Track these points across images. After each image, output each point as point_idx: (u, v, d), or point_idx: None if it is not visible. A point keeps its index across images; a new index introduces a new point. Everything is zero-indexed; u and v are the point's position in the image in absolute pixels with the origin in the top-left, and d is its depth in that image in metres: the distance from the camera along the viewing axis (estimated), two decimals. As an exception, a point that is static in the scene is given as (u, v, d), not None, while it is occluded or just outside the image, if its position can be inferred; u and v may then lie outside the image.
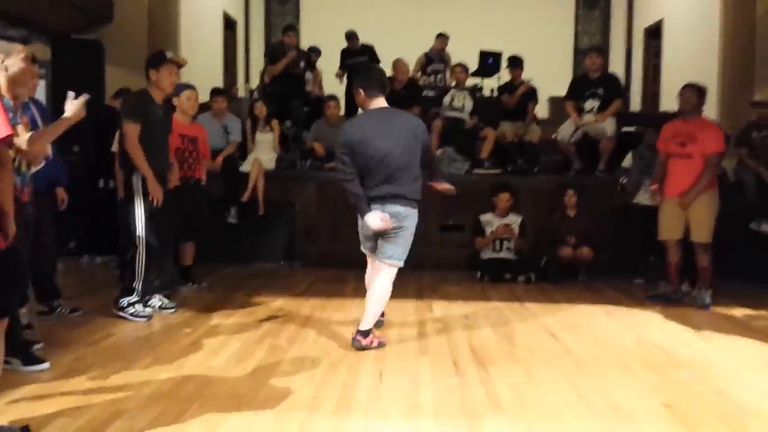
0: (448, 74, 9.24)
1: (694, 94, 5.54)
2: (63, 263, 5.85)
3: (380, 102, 4.15)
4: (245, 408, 3.01)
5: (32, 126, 4.16)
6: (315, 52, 9.39)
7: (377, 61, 9.01)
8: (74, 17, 8.19)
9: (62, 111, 4.37)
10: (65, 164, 4.86)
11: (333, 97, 7.88)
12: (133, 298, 4.63)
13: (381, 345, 4.07)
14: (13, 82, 3.45)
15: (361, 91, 4.15)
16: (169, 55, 4.78)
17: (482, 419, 2.96)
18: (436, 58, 9.37)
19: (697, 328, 4.76)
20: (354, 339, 4.03)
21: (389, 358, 3.86)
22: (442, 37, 9.46)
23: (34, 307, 4.46)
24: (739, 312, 5.31)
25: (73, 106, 3.61)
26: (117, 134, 5.77)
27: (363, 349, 3.98)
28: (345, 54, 9.19)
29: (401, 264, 4.13)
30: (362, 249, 4.40)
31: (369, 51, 9.07)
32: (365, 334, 4.04)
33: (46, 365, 3.50)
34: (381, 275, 4.13)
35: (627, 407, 3.16)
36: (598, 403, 3.22)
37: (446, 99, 8.06)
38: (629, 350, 4.17)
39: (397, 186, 4.01)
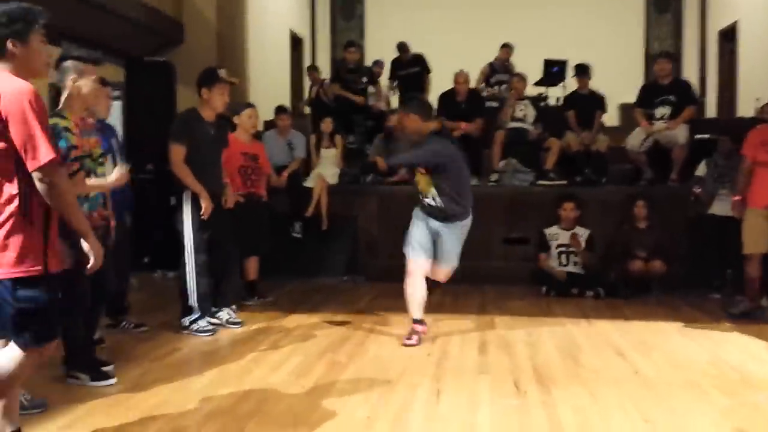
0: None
1: None
2: (136, 278, 6.08)
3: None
4: (301, 427, 3.01)
5: (108, 151, 4.36)
6: (378, 65, 9.45)
7: (428, 70, 8.99)
8: (147, 40, 8.52)
9: (136, 130, 4.59)
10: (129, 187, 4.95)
11: (394, 111, 7.90)
12: (193, 315, 4.72)
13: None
14: (84, 102, 3.57)
15: (418, 117, 4.44)
16: (222, 73, 4.79)
17: (542, 443, 2.87)
18: (500, 68, 9.28)
19: (777, 347, 4.49)
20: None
21: (448, 377, 3.80)
22: (506, 47, 9.36)
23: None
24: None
25: (118, 173, 3.65)
26: None
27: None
28: (396, 65, 9.18)
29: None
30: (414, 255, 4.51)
31: (420, 60, 9.04)
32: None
33: (113, 380, 3.61)
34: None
35: (698, 432, 3.01)
36: (667, 428, 3.07)
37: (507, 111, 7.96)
38: (702, 370, 3.97)
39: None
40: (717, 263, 6.34)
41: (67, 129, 3.42)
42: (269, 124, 8.12)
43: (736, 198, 5.41)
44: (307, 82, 12.90)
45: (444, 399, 3.43)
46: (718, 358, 4.26)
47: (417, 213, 4.62)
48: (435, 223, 4.53)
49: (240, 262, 5.71)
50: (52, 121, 3.32)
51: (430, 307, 5.69)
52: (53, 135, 3.20)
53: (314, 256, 7.19)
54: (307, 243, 7.09)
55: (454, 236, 4.54)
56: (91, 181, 3.55)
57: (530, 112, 7.95)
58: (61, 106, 3.52)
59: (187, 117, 4.83)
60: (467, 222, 4.59)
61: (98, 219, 3.64)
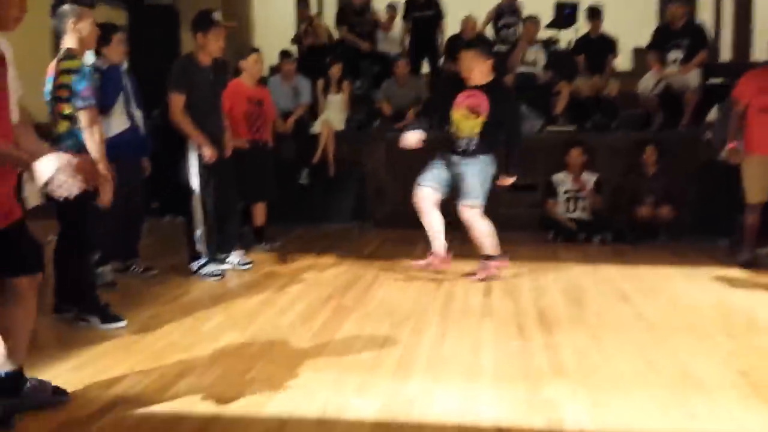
0: (521, 27, 8.92)
1: None
2: (146, 223, 6.10)
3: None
4: (307, 369, 3.07)
5: (125, 95, 4.35)
6: (391, 8, 9.22)
7: (443, 15, 8.78)
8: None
9: (140, 76, 4.58)
10: (148, 134, 4.90)
11: (402, 56, 7.79)
12: (202, 260, 4.77)
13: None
14: (84, 45, 3.59)
15: (486, 59, 4.59)
16: (217, 17, 4.64)
17: (543, 386, 2.90)
18: (507, 10, 9.03)
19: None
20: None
21: (453, 320, 3.84)
22: None
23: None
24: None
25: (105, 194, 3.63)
26: None
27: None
28: (409, 5, 8.95)
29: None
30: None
31: (435, 4, 8.83)
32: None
33: (123, 323, 3.67)
34: None
35: (699, 375, 3.03)
36: (668, 370, 3.10)
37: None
38: (707, 314, 3.99)
39: None
40: (726, 209, 6.29)
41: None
42: (274, 70, 8.02)
43: (732, 145, 5.24)
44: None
45: (448, 341, 3.47)
46: (724, 302, 4.27)
47: (439, 150, 4.73)
48: (456, 159, 4.62)
49: (247, 208, 5.73)
50: (75, 63, 3.44)
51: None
52: (86, 77, 3.39)
53: (321, 202, 7.20)
54: (314, 189, 7.09)
55: (476, 170, 4.60)
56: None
57: (541, 57, 7.80)
58: (69, 48, 3.53)
59: (184, 64, 4.74)
60: (488, 159, 4.65)
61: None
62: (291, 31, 11.36)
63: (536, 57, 7.79)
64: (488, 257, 4.76)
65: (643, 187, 6.34)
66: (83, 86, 3.45)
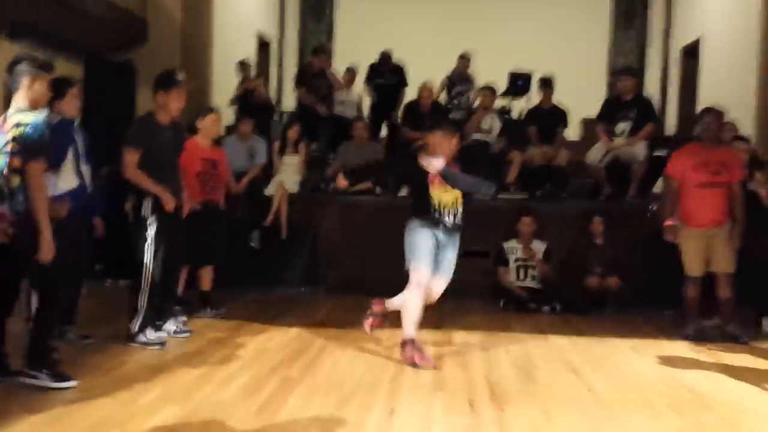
0: (471, 95, 9.16)
1: (717, 120, 5.34)
2: (87, 286, 5.87)
3: None
4: (248, 447, 2.93)
5: (74, 151, 4.25)
6: (350, 72, 9.36)
7: (406, 83, 8.96)
8: (109, 37, 8.31)
9: (92, 132, 4.51)
10: (95, 192, 4.72)
11: (360, 118, 7.85)
12: (139, 319, 4.54)
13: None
14: (34, 104, 3.58)
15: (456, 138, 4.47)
16: (180, 77, 4.61)
17: (492, 466, 2.83)
18: (458, 79, 9.28)
19: (728, 367, 4.54)
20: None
21: (403, 395, 3.74)
22: (464, 59, 9.37)
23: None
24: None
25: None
26: None
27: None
28: (373, 71, 9.10)
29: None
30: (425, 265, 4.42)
31: (399, 72, 9.01)
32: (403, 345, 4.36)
33: (74, 383, 3.59)
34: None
35: (649, 456, 3.00)
36: (618, 449, 3.06)
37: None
38: (656, 389, 3.99)
39: None
40: (672, 280, 6.40)
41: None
42: (231, 129, 8.00)
43: (668, 223, 5.31)
44: (273, 85, 12.82)
45: (397, 418, 3.37)
46: (671, 376, 4.29)
47: (420, 225, 4.44)
48: (441, 236, 4.46)
49: (193, 271, 5.59)
50: (27, 118, 3.46)
51: (390, 321, 5.68)
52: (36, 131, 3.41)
53: (272, 266, 7.08)
54: (266, 252, 6.98)
55: (456, 247, 4.55)
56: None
57: (496, 125, 7.98)
58: (20, 105, 3.53)
59: (143, 122, 4.71)
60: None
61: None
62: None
63: (492, 124, 7.96)
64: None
65: (591, 257, 6.44)
66: (33, 140, 3.43)
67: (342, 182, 6.37)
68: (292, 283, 7.07)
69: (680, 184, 5.29)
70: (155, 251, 4.56)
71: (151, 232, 4.56)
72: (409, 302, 4.39)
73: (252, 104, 8.50)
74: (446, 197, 4.46)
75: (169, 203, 4.55)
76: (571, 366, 4.44)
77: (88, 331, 4.70)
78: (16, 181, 3.48)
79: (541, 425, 3.33)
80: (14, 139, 3.44)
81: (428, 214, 4.43)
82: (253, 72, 9.28)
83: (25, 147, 3.42)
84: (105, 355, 4.31)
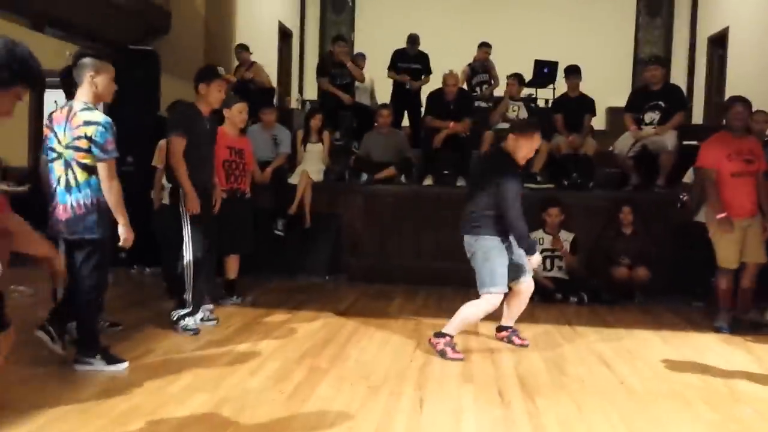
0: (492, 83, 9.09)
1: (747, 109, 5.24)
2: (112, 274, 5.90)
3: None
4: (279, 436, 2.92)
5: None
6: (360, 57, 9.31)
7: (430, 71, 8.89)
8: (132, 27, 8.35)
9: (118, 121, 4.51)
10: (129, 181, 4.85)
11: (385, 106, 7.79)
12: (186, 310, 4.63)
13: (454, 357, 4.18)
14: (99, 98, 3.73)
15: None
16: (221, 71, 4.81)
17: (526, 458, 2.80)
18: (479, 68, 9.20)
19: (762, 359, 4.46)
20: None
21: (431, 385, 3.71)
22: (484, 47, 9.29)
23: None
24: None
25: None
26: (158, 147, 5.85)
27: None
28: (398, 56, 9.04)
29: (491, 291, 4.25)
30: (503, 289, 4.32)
31: (424, 59, 8.95)
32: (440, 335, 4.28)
33: (126, 364, 3.78)
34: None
35: (684, 449, 2.95)
36: (653, 443, 3.01)
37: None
38: (687, 382, 3.92)
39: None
40: (701, 271, 6.31)
41: None
42: (254, 118, 7.97)
43: (722, 216, 5.10)
44: (295, 76, 12.82)
45: (427, 408, 3.34)
46: (704, 368, 4.21)
47: (500, 243, 4.30)
48: (509, 241, 4.36)
49: (220, 260, 5.59)
50: (97, 116, 3.59)
51: (414, 310, 5.66)
52: (108, 130, 3.57)
53: (296, 254, 7.08)
54: (290, 241, 6.97)
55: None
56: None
57: (523, 114, 7.91)
58: (85, 99, 3.65)
59: (186, 110, 4.80)
60: None
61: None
62: (273, 81, 11.47)
63: (519, 113, 7.88)
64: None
65: (619, 247, 6.35)
66: (106, 138, 3.57)
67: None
68: (316, 272, 7.06)
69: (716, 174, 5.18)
70: (195, 234, 4.61)
71: (190, 220, 4.61)
72: (472, 315, 4.32)
73: (252, 90, 8.42)
74: None
75: (194, 207, 4.58)
76: (601, 358, 4.38)
77: (116, 319, 4.72)
78: (84, 176, 3.63)
79: (573, 417, 3.29)
80: (86, 137, 3.56)
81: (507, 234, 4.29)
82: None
83: (100, 146, 3.56)
84: (132, 342, 4.32)
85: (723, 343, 4.89)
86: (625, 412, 3.37)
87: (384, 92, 9.32)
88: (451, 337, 4.31)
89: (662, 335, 5.07)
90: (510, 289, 4.42)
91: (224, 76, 4.86)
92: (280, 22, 11.97)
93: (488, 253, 4.24)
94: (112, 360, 3.78)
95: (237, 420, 3.09)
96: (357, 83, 8.64)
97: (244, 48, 8.86)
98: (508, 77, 8.27)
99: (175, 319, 4.64)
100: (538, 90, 9.74)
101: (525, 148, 4.34)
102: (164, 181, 5.43)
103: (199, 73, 4.82)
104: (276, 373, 3.81)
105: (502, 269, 4.24)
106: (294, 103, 11.41)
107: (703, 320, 5.56)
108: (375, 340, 4.62)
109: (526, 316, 5.49)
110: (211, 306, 5.10)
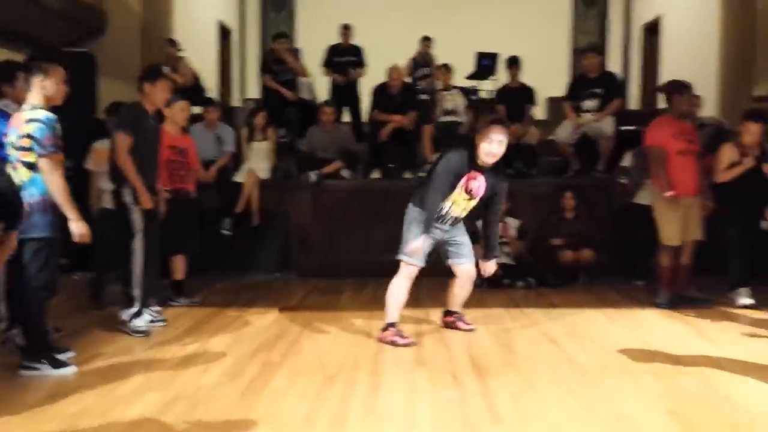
0: (434, 76, 9.16)
1: (689, 94, 5.51)
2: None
3: None
4: (236, 429, 2.90)
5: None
6: (295, 52, 9.22)
7: (363, 63, 8.91)
8: (66, 30, 8.10)
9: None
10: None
11: (327, 103, 7.79)
12: (135, 308, 4.56)
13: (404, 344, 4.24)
14: (48, 100, 3.73)
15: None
16: (166, 70, 4.83)
17: (482, 434, 2.86)
18: (421, 62, 9.28)
19: (701, 331, 4.65)
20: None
21: (386, 371, 3.75)
22: (425, 41, 9.37)
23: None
24: (744, 312, 5.21)
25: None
26: (92, 150, 5.72)
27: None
28: (333, 51, 9.03)
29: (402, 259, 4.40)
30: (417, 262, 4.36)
31: (358, 52, 8.96)
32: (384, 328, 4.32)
33: (74, 367, 3.72)
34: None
35: (632, 416, 3.06)
36: (602, 412, 3.11)
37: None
38: (633, 356, 4.05)
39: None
40: (642, 251, 6.54)
41: None
42: (196, 117, 7.87)
43: (670, 194, 5.23)
44: (236, 75, 12.68)
45: (383, 393, 3.37)
46: (647, 343, 4.37)
47: (416, 212, 4.34)
48: (445, 228, 4.41)
49: (166, 261, 5.50)
50: (39, 113, 3.63)
51: (365, 302, 5.69)
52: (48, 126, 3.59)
53: (244, 252, 7.02)
54: (238, 240, 6.90)
55: (462, 228, 4.56)
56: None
57: (460, 101, 7.98)
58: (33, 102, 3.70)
59: (133, 108, 4.76)
60: None
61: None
62: (213, 80, 11.33)
63: (456, 102, 7.95)
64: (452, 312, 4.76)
65: (563, 231, 6.51)
66: (45, 134, 3.58)
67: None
68: (265, 269, 7.02)
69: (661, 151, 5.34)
70: (142, 236, 4.56)
71: (137, 219, 4.57)
72: (397, 290, 4.38)
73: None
74: (461, 202, 4.31)
75: (147, 202, 4.57)
76: (549, 337, 4.49)
77: (58, 324, 4.59)
78: (28, 174, 3.63)
79: (525, 394, 3.37)
80: (28, 135, 3.58)
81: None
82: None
83: (39, 142, 3.57)
84: (80, 346, 4.20)
85: (665, 318, 5.07)
86: (574, 386, 3.47)
87: (324, 88, 9.27)
88: (393, 324, 4.34)
89: (606, 313, 5.23)
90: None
91: (169, 76, 4.84)
92: (219, 21, 11.82)
93: (410, 224, 4.35)
94: (59, 364, 3.70)
95: (191, 417, 3.05)
96: (300, 79, 8.59)
97: (171, 43, 8.50)
98: (437, 68, 8.33)
99: (127, 320, 4.56)
100: (480, 82, 9.88)
101: (484, 149, 4.21)
102: (102, 184, 5.34)
103: (145, 73, 4.84)
104: (229, 369, 3.78)
105: (416, 241, 4.25)
106: (236, 102, 11.28)
107: (645, 298, 5.75)
108: (327, 333, 4.63)
109: (476, 301, 5.60)
110: (158, 308, 5.01)
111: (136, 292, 4.58)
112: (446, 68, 8.18)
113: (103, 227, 4.99)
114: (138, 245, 4.59)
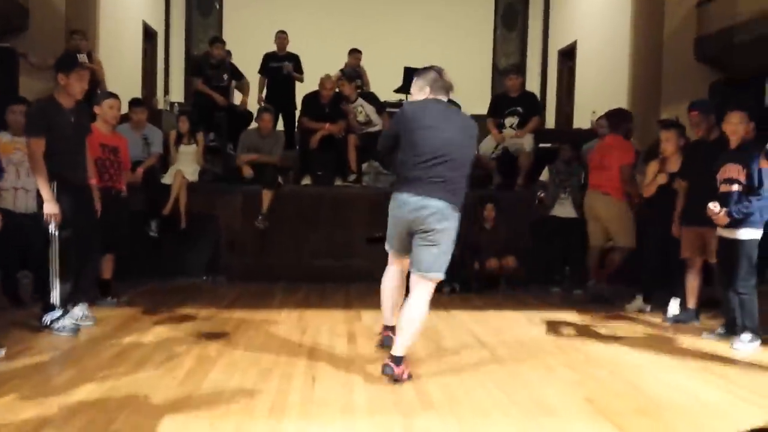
0: (364, 89, 9.35)
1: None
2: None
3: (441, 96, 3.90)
4: (176, 417, 2.95)
5: None
6: (229, 55, 9.23)
7: (301, 70, 9.03)
8: (-17, 24, 7.84)
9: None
10: None
11: (268, 109, 7.70)
12: (56, 313, 4.46)
13: (410, 377, 3.59)
14: None
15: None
16: (81, 59, 4.56)
17: (415, 416, 3.04)
18: (352, 74, 9.47)
19: (612, 330, 5.02)
20: (386, 366, 3.52)
21: (320, 364, 3.88)
22: (355, 53, 9.57)
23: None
24: (651, 314, 5.65)
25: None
26: None
27: (396, 380, 3.49)
28: (269, 57, 9.10)
29: (442, 277, 3.69)
30: (386, 247, 4.04)
31: (295, 58, 9.06)
32: (398, 361, 3.52)
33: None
34: (418, 292, 3.62)
35: (551, 402, 3.31)
36: (524, 400, 3.35)
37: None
38: (549, 351, 4.36)
39: (448, 183, 3.66)
40: (558, 260, 6.95)
41: None
42: (123, 118, 7.75)
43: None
44: (160, 77, 12.48)
45: (319, 384, 3.50)
46: (562, 340, 4.70)
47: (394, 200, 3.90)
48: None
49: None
50: None
51: (296, 303, 5.79)
52: None
53: (172, 255, 6.97)
54: (165, 242, 6.86)
55: None
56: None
57: (368, 108, 8.08)
58: None
59: (43, 106, 4.53)
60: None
61: None
62: (138, 80, 11.15)
63: (365, 111, 8.00)
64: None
65: (483, 240, 6.83)
66: None
67: (248, 171, 6.37)
68: (193, 273, 7.00)
69: None
70: (62, 237, 4.43)
71: (53, 225, 4.41)
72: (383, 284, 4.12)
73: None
74: None
75: (53, 215, 4.35)
76: (473, 335, 4.75)
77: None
78: None
79: (453, 384, 3.57)
80: None
81: None
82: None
83: None
84: (9, 341, 4.12)
85: (578, 319, 5.43)
86: (498, 378, 3.71)
87: (252, 93, 9.28)
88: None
89: (526, 314, 5.55)
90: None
91: (85, 65, 4.56)
92: (144, 22, 11.65)
93: None
94: None
95: (131, 404, 3.09)
96: (234, 83, 8.61)
97: (76, 34, 7.91)
98: (337, 81, 8.23)
99: (48, 323, 4.45)
100: (407, 96, 10.15)
101: None
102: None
103: (58, 62, 4.56)
104: (164, 363, 3.81)
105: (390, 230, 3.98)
106: (161, 104, 11.12)
107: (561, 302, 6.12)
108: (261, 331, 4.71)
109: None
110: (85, 305, 4.94)
111: (54, 298, 4.45)
112: (345, 76, 8.28)
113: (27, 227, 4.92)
114: (54, 254, 4.42)
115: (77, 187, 4.57)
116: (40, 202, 4.46)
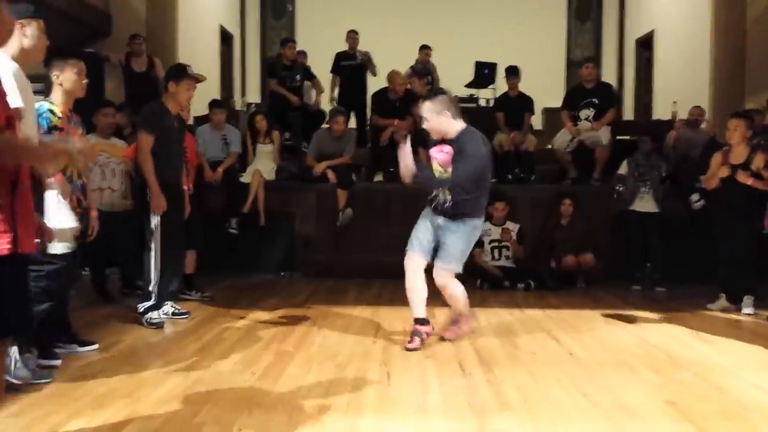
0: (434, 85, 9.31)
1: None
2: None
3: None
4: (257, 409, 3.05)
5: None
6: (301, 54, 9.37)
7: (374, 66, 9.09)
8: (72, 31, 8.23)
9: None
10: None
11: (341, 111, 7.75)
12: (150, 302, 4.70)
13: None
14: (69, 95, 3.78)
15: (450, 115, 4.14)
16: (190, 70, 4.86)
17: (491, 417, 3.01)
18: (421, 70, 9.45)
19: (696, 331, 4.83)
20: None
21: (395, 362, 3.90)
22: (425, 49, 9.56)
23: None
24: (737, 314, 5.41)
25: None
26: None
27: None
28: (341, 56, 9.21)
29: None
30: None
31: (366, 56, 9.13)
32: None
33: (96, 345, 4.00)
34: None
35: (632, 405, 3.22)
36: (604, 401, 3.27)
37: None
38: (631, 352, 4.23)
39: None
40: (637, 257, 6.73)
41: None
42: (202, 119, 8.01)
43: None
44: (237, 79, 12.83)
45: (394, 381, 3.53)
46: (645, 341, 4.55)
47: (424, 211, 4.32)
48: (440, 220, 4.21)
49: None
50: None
51: (370, 300, 5.85)
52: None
53: (250, 252, 7.16)
54: (244, 239, 7.05)
55: (458, 234, 4.17)
56: None
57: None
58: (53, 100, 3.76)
59: (155, 108, 4.85)
60: (478, 223, 4.30)
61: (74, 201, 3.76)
62: (216, 82, 11.48)
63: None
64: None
65: (560, 236, 6.70)
66: (39, 124, 3.54)
67: (318, 169, 6.48)
68: (270, 269, 7.17)
69: None
70: (163, 229, 4.68)
71: (155, 216, 4.68)
72: (406, 288, 4.33)
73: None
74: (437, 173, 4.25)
75: (158, 207, 4.65)
76: (550, 334, 4.67)
77: (83, 314, 4.75)
78: None
79: (530, 384, 3.53)
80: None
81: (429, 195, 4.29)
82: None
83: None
84: (102, 334, 4.35)
85: (660, 318, 5.25)
86: (577, 378, 3.63)
87: (325, 92, 9.40)
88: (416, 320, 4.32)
89: (604, 314, 5.40)
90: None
91: (194, 75, 4.87)
92: (221, 26, 11.99)
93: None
94: (85, 342, 3.98)
95: (213, 398, 3.20)
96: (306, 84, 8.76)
97: (139, 38, 7.98)
98: (408, 77, 8.25)
99: (141, 311, 4.70)
100: (479, 90, 10.09)
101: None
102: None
103: (170, 71, 4.95)
104: (244, 358, 3.93)
105: (415, 231, 4.31)
106: (239, 105, 11.43)
107: (641, 301, 5.94)
108: (336, 327, 4.78)
109: (478, 302, 5.78)
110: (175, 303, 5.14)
111: (152, 287, 4.71)
112: (415, 72, 8.27)
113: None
114: (155, 243, 4.68)
115: (174, 188, 4.81)
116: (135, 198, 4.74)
